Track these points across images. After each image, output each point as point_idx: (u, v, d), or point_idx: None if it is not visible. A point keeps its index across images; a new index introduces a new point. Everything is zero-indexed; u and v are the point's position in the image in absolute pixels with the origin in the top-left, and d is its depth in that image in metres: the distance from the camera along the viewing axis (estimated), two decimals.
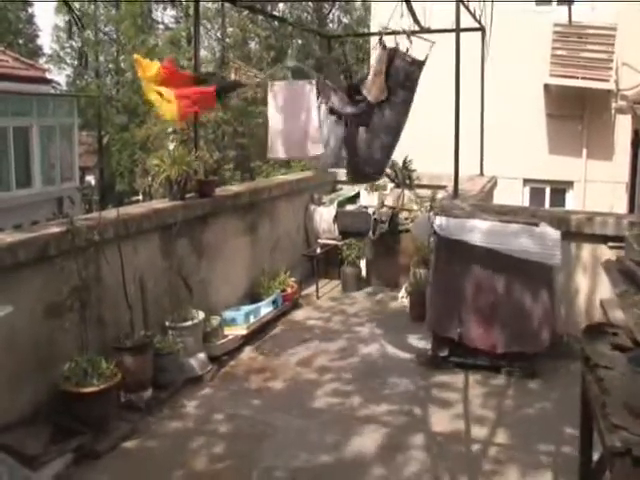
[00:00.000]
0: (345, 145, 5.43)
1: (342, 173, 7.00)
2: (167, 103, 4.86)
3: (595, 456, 2.79)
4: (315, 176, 8.18)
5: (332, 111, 5.38)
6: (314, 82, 5.48)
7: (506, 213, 5.12)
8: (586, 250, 5.08)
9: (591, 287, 5.06)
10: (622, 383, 2.27)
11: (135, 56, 5.11)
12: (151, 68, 4.87)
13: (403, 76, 5.07)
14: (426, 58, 5.00)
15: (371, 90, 5.11)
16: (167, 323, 4.75)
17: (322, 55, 8.50)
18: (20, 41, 30.95)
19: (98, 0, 27.64)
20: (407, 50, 5.09)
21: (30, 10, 31.13)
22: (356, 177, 5.93)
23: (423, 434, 4.02)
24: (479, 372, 4.87)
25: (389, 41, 5.13)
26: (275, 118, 5.62)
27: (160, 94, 4.83)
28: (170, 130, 17.80)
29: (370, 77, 5.18)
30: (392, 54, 5.06)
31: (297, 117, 5.53)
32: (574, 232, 5.03)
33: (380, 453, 3.79)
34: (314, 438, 3.96)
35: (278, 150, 5.69)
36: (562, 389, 4.55)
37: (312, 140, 5.49)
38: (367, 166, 5.41)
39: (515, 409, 4.38)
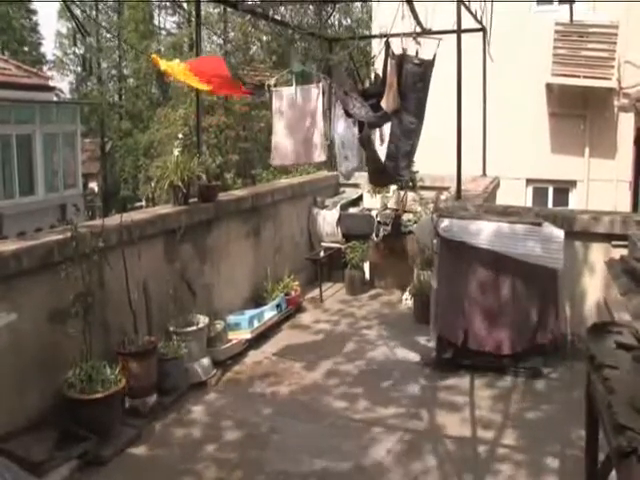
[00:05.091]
0: (363, 149, 5.42)
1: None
2: (197, 82, 5.16)
3: (601, 456, 2.77)
4: (318, 179, 8.18)
5: (348, 114, 5.28)
6: (321, 86, 5.46)
7: (509, 214, 5.11)
8: (590, 249, 5.06)
9: (595, 286, 5.04)
10: (628, 382, 2.26)
11: (153, 55, 5.42)
12: (171, 62, 5.10)
13: (414, 79, 5.07)
14: (434, 57, 5.00)
15: (387, 102, 5.09)
16: (171, 328, 4.75)
17: (328, 57, 8.45)
18: (25, 49, 31.15)
19: (100, 0, 27.71)
20: (417, 53, 5.08)
21: (34, 18, 31.41)
22: (378, 181, 5.94)
23: (431, 437, 4.01)
24: (485, 373, 4.85)
25: (392, 43, 5.12)
26: (279, 124, 5.59)
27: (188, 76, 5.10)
28: (181, 136, 17.85)
29: (385, 89, 5.14)
30: (400, 60, 5.04)
31: (302, 122, 5.49)
32: (578, 231, 5.01)
33: (388, 457, 3.78)
34: (321, 442, 3.94)
35: (282, 156, 5.66)
36: (568, 389, 4.53)
37: (317, 146, 5.46)
38: (390, 170, 5.40)
39: (521, 410, 4.36)
